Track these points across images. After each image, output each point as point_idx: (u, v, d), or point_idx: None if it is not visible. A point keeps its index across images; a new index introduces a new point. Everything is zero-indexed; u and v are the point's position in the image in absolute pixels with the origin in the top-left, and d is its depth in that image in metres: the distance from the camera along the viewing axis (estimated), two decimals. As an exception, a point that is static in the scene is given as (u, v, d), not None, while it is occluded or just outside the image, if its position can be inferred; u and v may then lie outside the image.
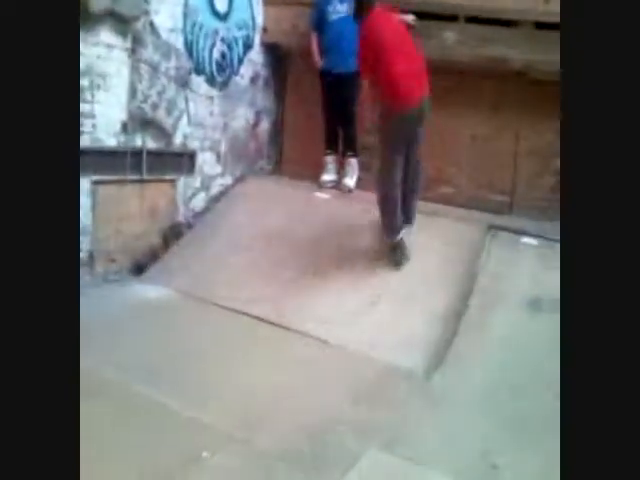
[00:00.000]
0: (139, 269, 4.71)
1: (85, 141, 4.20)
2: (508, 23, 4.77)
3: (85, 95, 4.17)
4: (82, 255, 4.31)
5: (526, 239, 4.22)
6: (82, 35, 4.06)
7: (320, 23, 5.14)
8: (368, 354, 3.50)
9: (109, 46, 4.29)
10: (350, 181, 5.32)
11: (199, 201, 5.31)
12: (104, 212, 4.46)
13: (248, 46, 5.61)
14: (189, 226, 5.13)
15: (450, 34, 4.88)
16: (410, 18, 4.86)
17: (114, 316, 3.81)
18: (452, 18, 4.90)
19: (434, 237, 4.34)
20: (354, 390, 3.10)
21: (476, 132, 5.18)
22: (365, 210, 4.57)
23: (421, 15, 4.88)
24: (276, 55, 5.91)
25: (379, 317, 3.81)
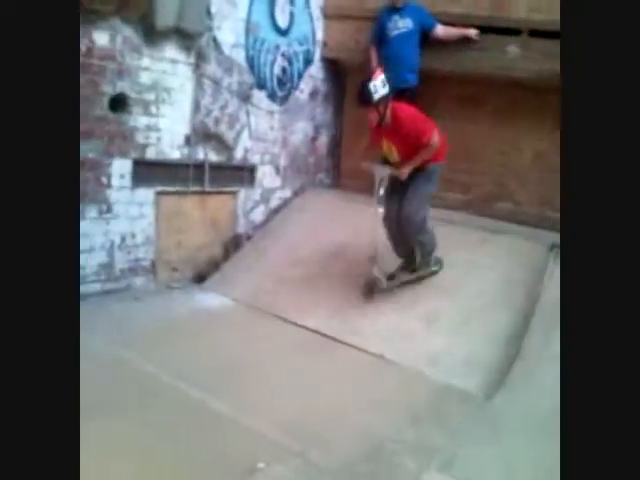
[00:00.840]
0: (200, 278, 4.82)
1: (150, 153, 4.35)
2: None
3: (151, 109, 4.31)
4: (146, 264, 4.48)
5: (591, 258, 4.06)
6: (148, 51, 4.22)
7: (380, 39, 5.15)
8: (426, 373, 3.45)
9: (174, 61, 4.43)
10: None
11: (259, 213, 5.39)
12: (167, 223, 4.60)
13: (308, 61, 5.67)
14: (249, 238, 5.21)
15: (513, 48, 4.79)
16: (473, 33, 4.85)
17: (175, 322, 3.91)
18: (515, 32, 4.82)
19: (495, 255, 4.26)
20: (411, 409, 3.06)
21: (539, 148, 5.04)
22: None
23: (483, 29, 4.84)
24: (335, 70, 5.95)
25: (437, 336, 3.75)
